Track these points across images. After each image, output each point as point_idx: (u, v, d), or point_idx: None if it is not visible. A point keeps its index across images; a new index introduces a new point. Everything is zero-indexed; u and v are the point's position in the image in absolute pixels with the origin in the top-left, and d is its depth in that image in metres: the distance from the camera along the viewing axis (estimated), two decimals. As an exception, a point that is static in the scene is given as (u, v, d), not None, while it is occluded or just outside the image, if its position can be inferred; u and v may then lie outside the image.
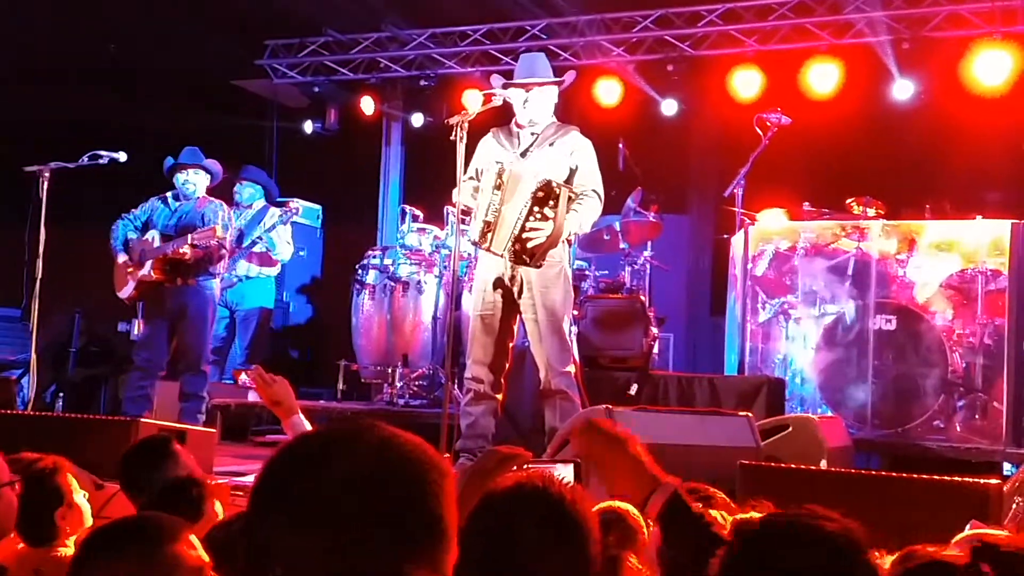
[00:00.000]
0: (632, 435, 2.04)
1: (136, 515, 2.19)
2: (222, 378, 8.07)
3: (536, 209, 5.36)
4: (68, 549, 3.07)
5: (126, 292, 7.00)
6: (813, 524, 1.65)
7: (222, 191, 8.53)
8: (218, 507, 3.03)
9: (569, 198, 5.42)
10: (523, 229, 5.37)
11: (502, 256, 5.47)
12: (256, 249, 8.14)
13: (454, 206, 5.67)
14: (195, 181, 7.06)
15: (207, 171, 7.12)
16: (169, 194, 7.12)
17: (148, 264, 6.86)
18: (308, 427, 3.21)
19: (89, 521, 3.20)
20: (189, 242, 6.70)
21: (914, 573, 1.80)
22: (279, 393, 3.42)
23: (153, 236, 6.91)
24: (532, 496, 1.77)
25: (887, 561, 1.88)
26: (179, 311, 6.92)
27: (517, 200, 5.38)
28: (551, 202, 5.36)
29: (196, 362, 6.95)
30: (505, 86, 5.85)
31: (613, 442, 1.97)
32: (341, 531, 1.23)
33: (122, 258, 6.99)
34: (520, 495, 1.78)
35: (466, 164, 5.54)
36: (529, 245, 5.38)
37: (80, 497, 3.17)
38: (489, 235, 5.46)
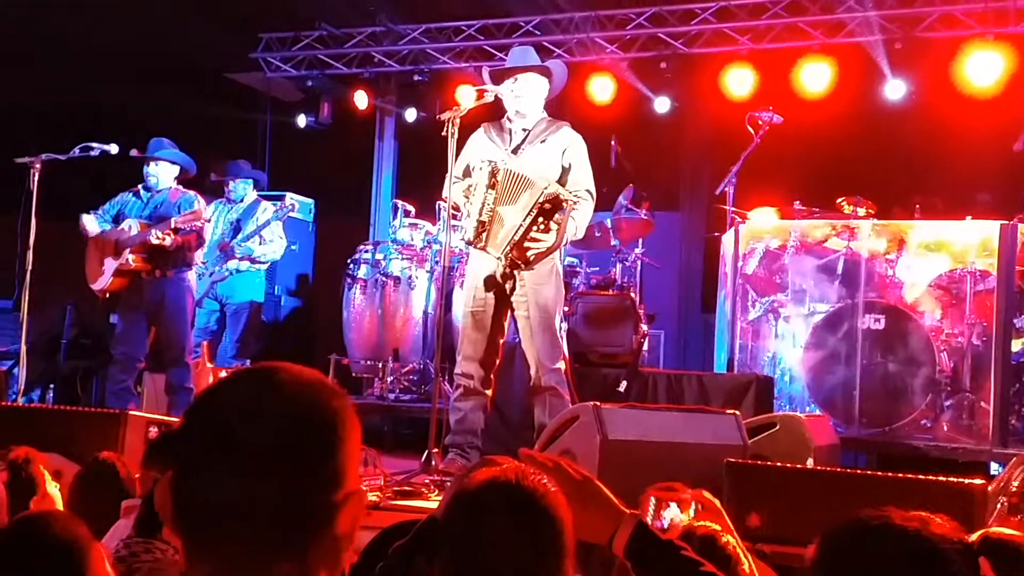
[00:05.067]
0: (590, 474, 2.04)
1: None
2: (213, 371, 8.06)
3: (541, 220, 5.36)
4: None
5: (102, 283, 6.95)
6: (900, 525, 1.66)
7: (216, 191, 8.54)
8: None
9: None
10: (525, 237, 5.37)
11: (499, 259, 5.48)
12: (240, 254, 8.12)
13: (445, 201, 5.67)
14: (156, 173, 7.05)
15: (172, 162, 7.11)
16: (140, 187, 7.13)
17: (126, 252, 6.84)
18: None
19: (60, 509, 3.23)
20: (172, 226, 6.69)
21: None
22: None
23: (130, 225, 6.89)
24: (503, 490, 1.79)
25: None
26: (157, 304, 6.90)
27: (518, 203, 5.37)
28: (557, 215, 5.37)
29: (179, 355, 6.94)
30: (492, 73, 5.86)
31: (574, 484, 1.98)
32: (281, 476, 1.29)
33: (95, 229, 6.95)
34: (491, 488, 1.79)
35: (457, 157, 5.54)
36: (530, 254, 5.40)
37: (51, 487, 3.21)
38: (484, 235, 5.45)
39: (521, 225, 5.36)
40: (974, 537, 1.92)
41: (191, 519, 1.32)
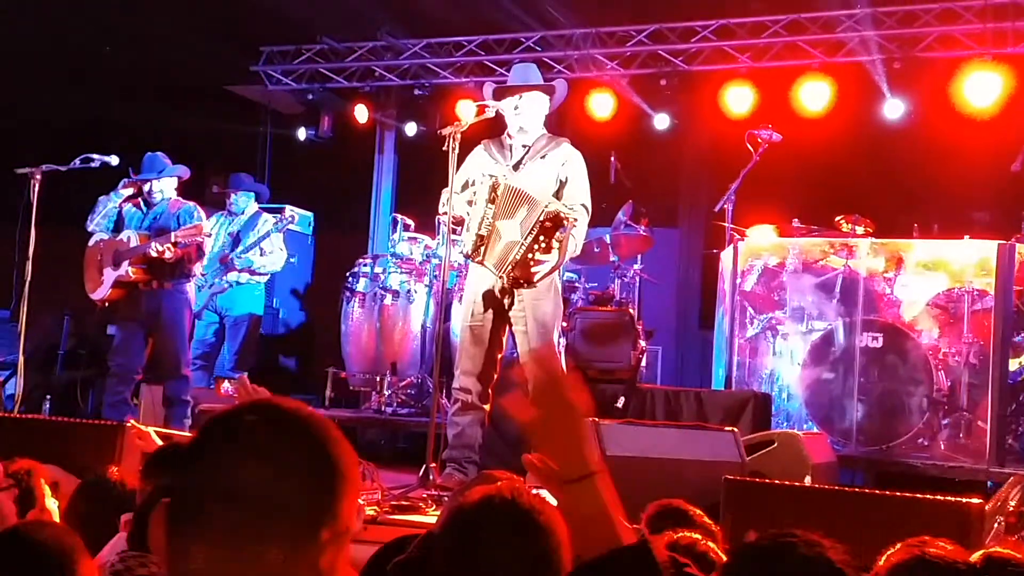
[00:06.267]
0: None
1: None
2: (210, 384, 8.06)
3: (543, 238, 5.37)
4: None
5: (101, 293, 6.95)
6: (802, 547, 1.65)
7: (217, 203, 8.56)
8: None
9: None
10: (526, 258, 5.37)
11: (500, 278, 5.48)
12: (240, 265, 8.12)
13: (441, 215, 5.68)
14: (160, 189, 7.07)
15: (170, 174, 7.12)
16: (140, 199, 7.13)
17: (125, 264, 6.83)
18: None
19: None
20: (172, 240, 6.69)
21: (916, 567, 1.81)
22: None
23: (129, 236, 6.89)
24: (500, 506, 1.78)
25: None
26: (154, 315, 6.89)
27: (516, 219, 5.38)
28: (558, 232, 5.38)
29: (175, 367, 6.93)
30: (496, 90, 5.87)
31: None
32: (283, 466, 1.34)
33: (98, 236, 6.96)
34: (488, 505, 1.79)
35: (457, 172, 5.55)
36: (536, 276, 5.40)
37: (51, 501, 3.20)
38: (482, 249, 5.47)
39: (522, 243, 5.37)
40: (976, 556, 1.92)
41: (182, 508, 1.35)
